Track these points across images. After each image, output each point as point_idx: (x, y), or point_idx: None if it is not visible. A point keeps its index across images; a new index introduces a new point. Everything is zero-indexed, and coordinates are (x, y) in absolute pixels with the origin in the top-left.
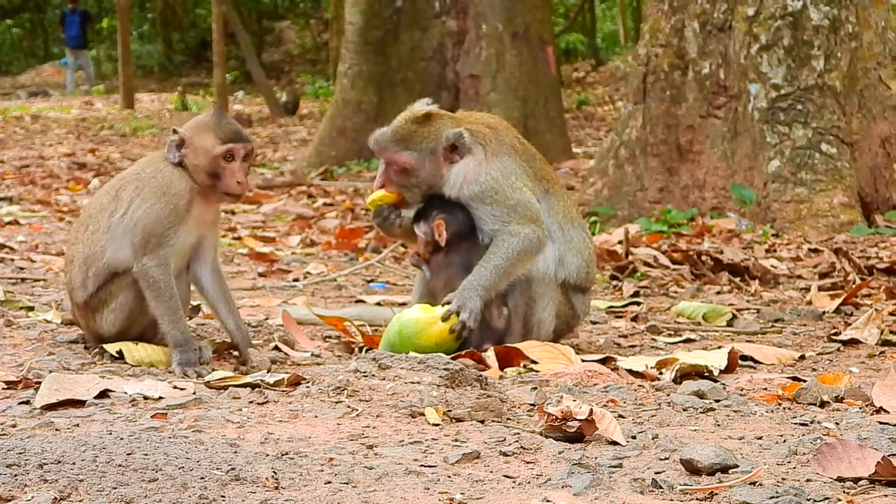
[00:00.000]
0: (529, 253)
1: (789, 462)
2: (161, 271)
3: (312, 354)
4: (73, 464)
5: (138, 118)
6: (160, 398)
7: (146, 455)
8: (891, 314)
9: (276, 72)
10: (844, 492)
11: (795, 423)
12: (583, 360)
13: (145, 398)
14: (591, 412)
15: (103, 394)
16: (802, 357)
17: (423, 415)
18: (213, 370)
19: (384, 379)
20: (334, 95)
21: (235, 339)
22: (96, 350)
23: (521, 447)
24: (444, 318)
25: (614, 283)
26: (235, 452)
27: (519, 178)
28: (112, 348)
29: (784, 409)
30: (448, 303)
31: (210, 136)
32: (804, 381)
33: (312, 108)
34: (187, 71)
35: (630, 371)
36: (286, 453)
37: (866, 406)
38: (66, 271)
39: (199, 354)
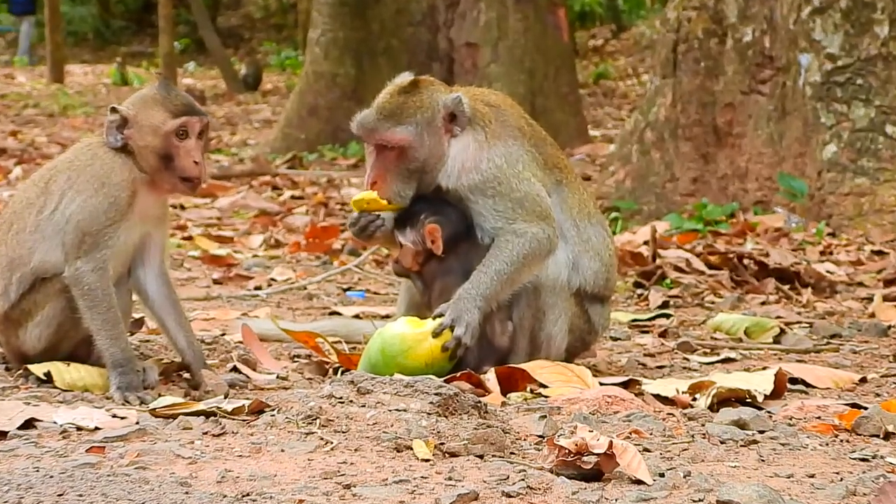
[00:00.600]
0: (538, 256)
1: None
2: (97, 277)
3: (278, 377)
4: None
5: (69, 94)
6: (96, 429)
7: (80, 496)
8: None
9: (235, 39)
10: None
11: (854, 459)
12: (601, 384)
13: (79, 429)
14: (610, 445)
15: (29, 423)
16: (863, 380)
17: (411, 448)
18: (160, 395)
19: (364, 406)
20: (304, 67)
21: (187, 357)
22: (20, 372)
23: (528, 487)
24: (436, 334)
25: (639, 291)
26: (187, 493)
27: (526, 167)
28: (38, 370)
29: (841, 441)
30: (440, 315)
31: (159, 111)
32: (865, 408)
33: (278, 82)
34: (127, 38)
35: (658, 396)
36: (247, 494)
37: None
38: None
39: (142, 377)
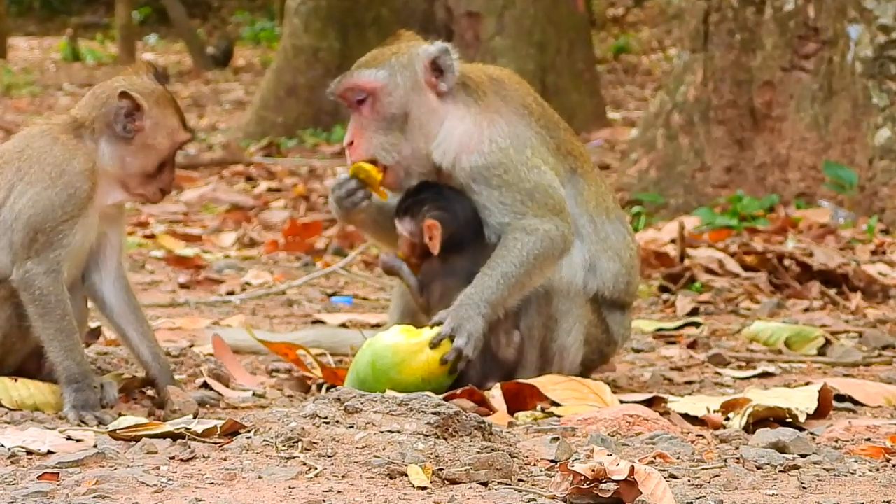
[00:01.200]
0: (550, 257)
1: None
2: (51, 280)
3: (254, 394)
4: None
5: (12, 72)
6: (49, 453)
7: None
8: None
9: (202, 8)
10: None
11: None
12: (621, 402)
13: (29, 453)
14: (632, 470)
15: None
16: None
17: (406, 475)
18: (120, 415)
19: (353, 427)
20: (282, 41)
21: (151, 371)
22: None
23: None
24: (434, 345)
25: (665, 296)
26: None
27: (535, 152)
28: None
29: (893, 466)
30: (439, 323)
31: (173, 114)
32: None
33: (251, 58)
34: (79, 8)
35: (685, 416)
36: None
37: None
38: None
39: (100, 394)
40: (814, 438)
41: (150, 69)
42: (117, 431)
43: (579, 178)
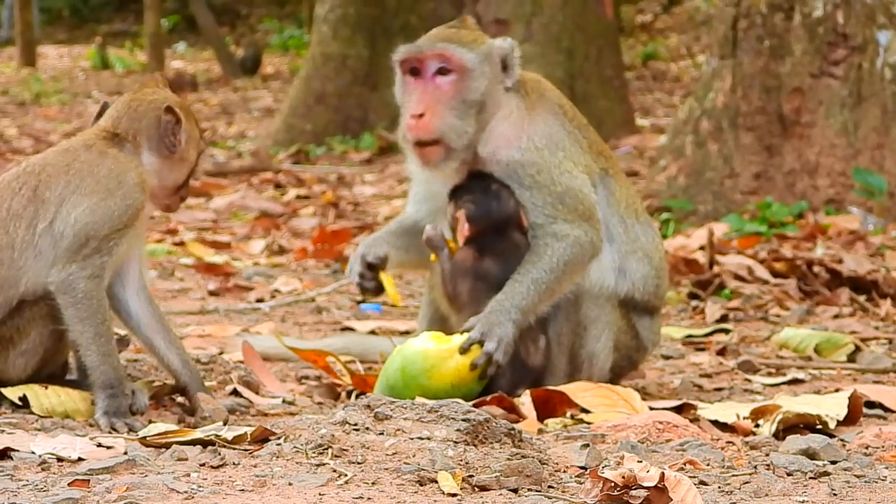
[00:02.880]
0: (580, 263)
1: None
2: (94, 285)
3: (284, 401)
4: None
5: (42, 80)
6: (80, 459)
7: None
8: None
9: (230, 16)
10: None
11: None
12: (651, 409)
13: (60, 460)
14: (662, 477)
15: (3, 454)
16: None
17: (436, 482)
18: (151, 422)
19: (382, 433)
20: (310, 48)
21: (182, 379)
22: None
23: None
24: (463, 350)
25: (694, 303)
26: None
27: (568, 156)
28: (13, 394)
29: None
30: (470, 329)
31: (197, 127)
32: None
33: (280, 65)
34: (108, 16)
35: (715, 423)
36: None
37: None
38: None
39: (131, 400)
40: (844, 445)
41: (164, 81)
42: (147, 438)
43: (611, 178)
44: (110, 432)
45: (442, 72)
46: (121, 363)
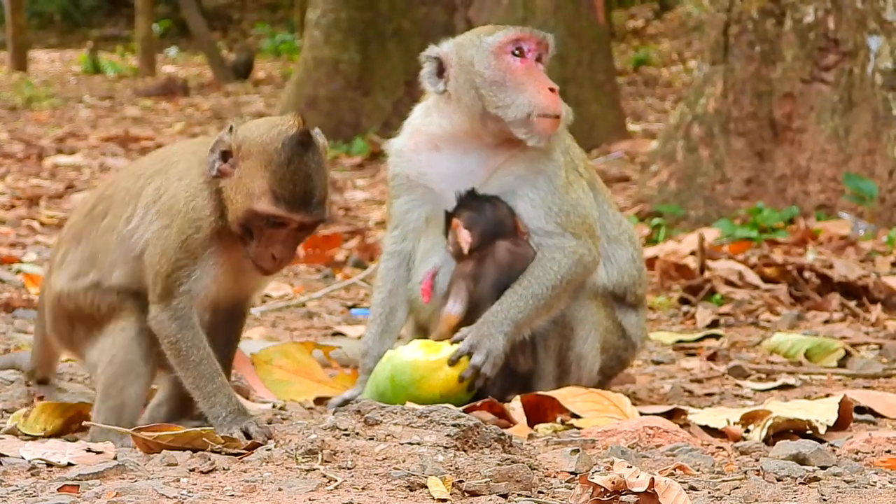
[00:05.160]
0: (580, 281)
1: None
2: (178, 327)
3: (274, 406)
4: None
5: (33, 84)
6: (69, 465)
7: None
8: None
9: (222, 21)
10: None
11: None
12: (641, 414)
13: (49, 465)
14: (652, 483)
15: None
16: None
17: (426, 487)
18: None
19: (372, 439)
20: (302, 53)
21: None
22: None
23: None
24: (452, 362)
25: (685, 308)
26: None
27: (570, 167)
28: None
29: None
30: (462, 340)
31: (265, 179)
32: None
33: (272, 70)
34: (99, 20)
35: (706, 428)
36: None
37: None
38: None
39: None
40: (834, 450)
41: (297, 127)
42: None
43: (598, 193)
44: (237, 440)
45: (540, 59)
46: (233, 398)
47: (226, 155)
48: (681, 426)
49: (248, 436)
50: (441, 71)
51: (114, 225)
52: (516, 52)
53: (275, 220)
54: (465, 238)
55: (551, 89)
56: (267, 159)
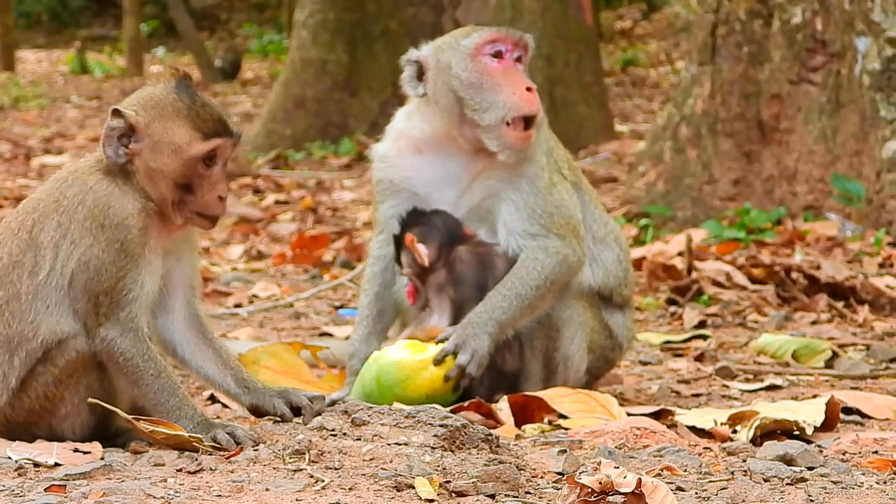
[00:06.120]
0: (564, 282)
1: None
2: (131, 341)
3: None
4: None
5: (21, 84)
6: (56, 465)
7: None
8: None
9: (210, 20)
10: None
11: None
12: (629, 414)
13: (36, 465)
14: (639, 483)
15: None
16: None
17: (413, 487)
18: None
19: (360, 439)
20: (290, 53)
21: (243, 400)
22: None
23: None
24: (437, 361)
25: (672, 309)
26: None
27: (554, 168)
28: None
29: None
30: (446, 339)
31: (182, 126)
32: None
33: (259, 70)
34: (87, 20)
35: (693, 429)
36: None
37: None
38: None
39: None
40: (821, 451)
41: (173, 74)
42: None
43: (584, 193)
44: (211, 450)
45: (520, 59)
46: (198, 408)
47: (124, 138)
48: (668, 427)
49: (218, 444)
50: (421, 74)
51: (16, 293)
52: (494, 53)
53: (212, 156)
54: (423, 252)
55: (528, 88)
56: (174, 111)
